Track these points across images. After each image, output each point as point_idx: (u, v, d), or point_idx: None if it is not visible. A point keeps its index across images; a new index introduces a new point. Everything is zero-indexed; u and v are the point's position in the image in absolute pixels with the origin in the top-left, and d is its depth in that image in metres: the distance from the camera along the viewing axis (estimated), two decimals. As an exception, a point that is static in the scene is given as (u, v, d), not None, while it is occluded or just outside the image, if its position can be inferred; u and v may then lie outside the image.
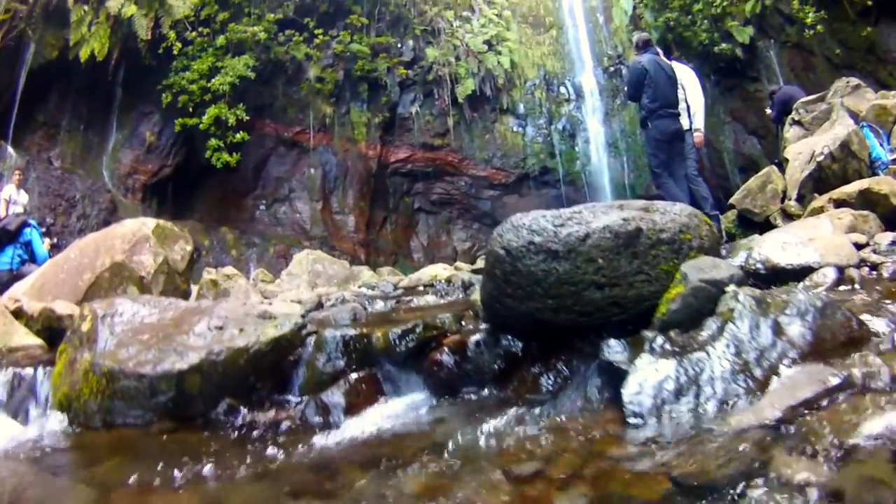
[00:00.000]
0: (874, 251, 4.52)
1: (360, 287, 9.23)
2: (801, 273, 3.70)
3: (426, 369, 3.23)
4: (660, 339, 2.81)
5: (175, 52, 15.81)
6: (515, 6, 20.07)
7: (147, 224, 6.67)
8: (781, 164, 10.36)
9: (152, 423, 2.94)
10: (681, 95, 9.10)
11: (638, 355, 2.77)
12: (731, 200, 9.13)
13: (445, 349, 3.23)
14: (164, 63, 16.08)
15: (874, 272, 3.83)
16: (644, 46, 9.25)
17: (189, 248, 6.84)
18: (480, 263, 10.13)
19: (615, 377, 2.78)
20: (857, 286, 3.43)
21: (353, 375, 3.16)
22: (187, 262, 6.75)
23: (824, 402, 2.29)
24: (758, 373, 2.55)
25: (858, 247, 4.57)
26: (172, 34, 15.70)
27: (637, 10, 17.98)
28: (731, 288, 2.91)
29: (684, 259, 3.16)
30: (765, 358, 2.59)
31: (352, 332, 3.26)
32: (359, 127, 17.65)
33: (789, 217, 7.89)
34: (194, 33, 16.17)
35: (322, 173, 17.25)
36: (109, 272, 6.21)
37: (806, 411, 2.27)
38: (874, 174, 7.74)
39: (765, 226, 8.23)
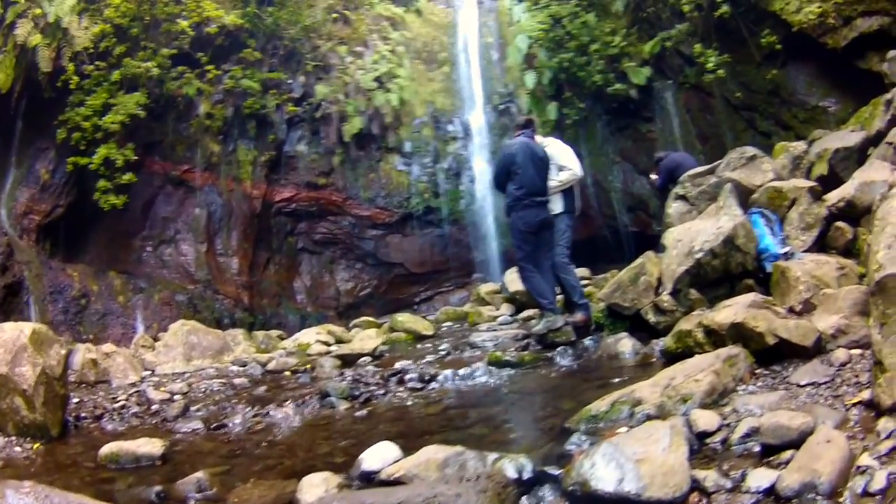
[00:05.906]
0: (724, 443, 4.25)
1: (231, 364, 9.99)
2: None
3: None
4: None
5: (72, 86, 15.59)
6: (410, 41, 20.19)
7: (24, 331, 7.28)
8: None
9: None
10: (554, 176, 8.94)
11: None
12: (600, 295, 8.80)
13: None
14: (64, 97, 15.84)
15: (705, 504, 3.52)
16: (523, 127, 9.18)
17: (63, 351, 7.52)
18: (358, 343, 10.58)
19: None
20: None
21: None
22: (62, 365, 7.43)
23: None
24: None
25: (707, 434, 4.35)
26: (72, 66, 15.54)
27: (532, 49, 18.06)
28: None
29: None
30: None
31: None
32: (245, 166, 17.71)
33: (662, 312, 7.61)
34: (92, 67, 15.99)
35: (207, 214, 17.22)
36: (-4, 382, 6.89)
37: None
38: (760, 267, 7.62)
39: (635, 318, 8.00)
